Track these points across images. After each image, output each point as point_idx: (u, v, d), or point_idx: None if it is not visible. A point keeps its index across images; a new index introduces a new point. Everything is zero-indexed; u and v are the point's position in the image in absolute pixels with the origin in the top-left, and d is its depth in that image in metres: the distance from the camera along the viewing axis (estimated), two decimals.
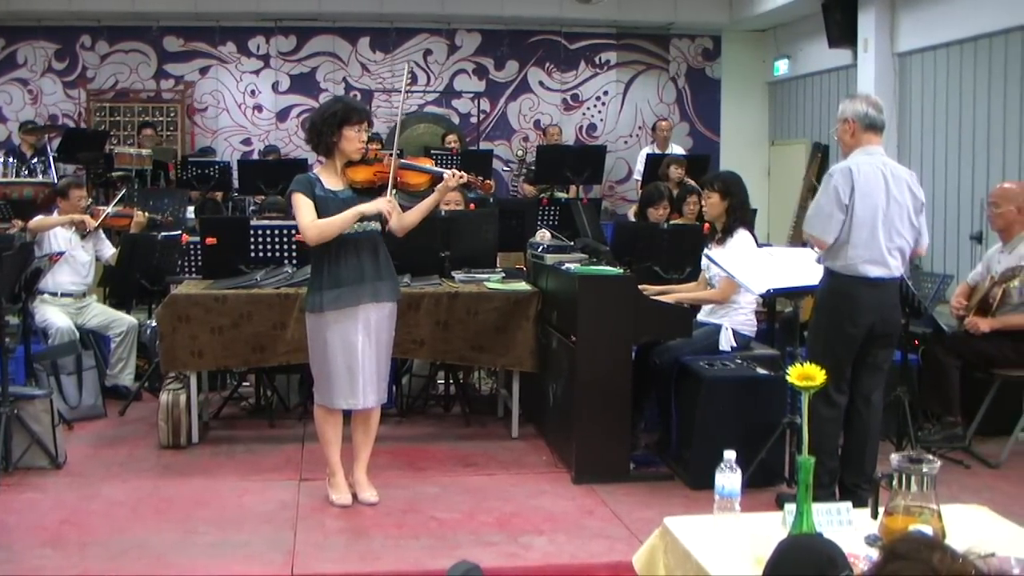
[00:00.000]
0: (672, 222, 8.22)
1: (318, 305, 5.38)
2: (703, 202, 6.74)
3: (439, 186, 5.58)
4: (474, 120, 14.38)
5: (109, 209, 8.50)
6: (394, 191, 5.66)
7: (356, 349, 5.42)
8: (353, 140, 5.39)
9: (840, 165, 5.33)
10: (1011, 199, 6.74)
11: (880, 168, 5.27)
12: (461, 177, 5.58)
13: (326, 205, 5.36)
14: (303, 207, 5.35)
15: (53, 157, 11.47)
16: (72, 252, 7.90)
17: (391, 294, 5.55)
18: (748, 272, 6.03)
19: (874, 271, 5.22)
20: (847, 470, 5.37)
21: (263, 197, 10.17)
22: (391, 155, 5.59)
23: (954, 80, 10.48)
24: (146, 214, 8.94)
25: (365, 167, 5.48)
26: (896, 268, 5.30)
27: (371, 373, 5.48)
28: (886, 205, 5.22)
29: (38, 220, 7.97)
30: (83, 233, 8.07)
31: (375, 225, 5.48)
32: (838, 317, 5.32)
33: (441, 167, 10.11)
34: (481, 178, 5.92)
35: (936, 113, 10.78)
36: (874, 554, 3.15)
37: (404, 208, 5.72)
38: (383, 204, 5.35)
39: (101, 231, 8.33)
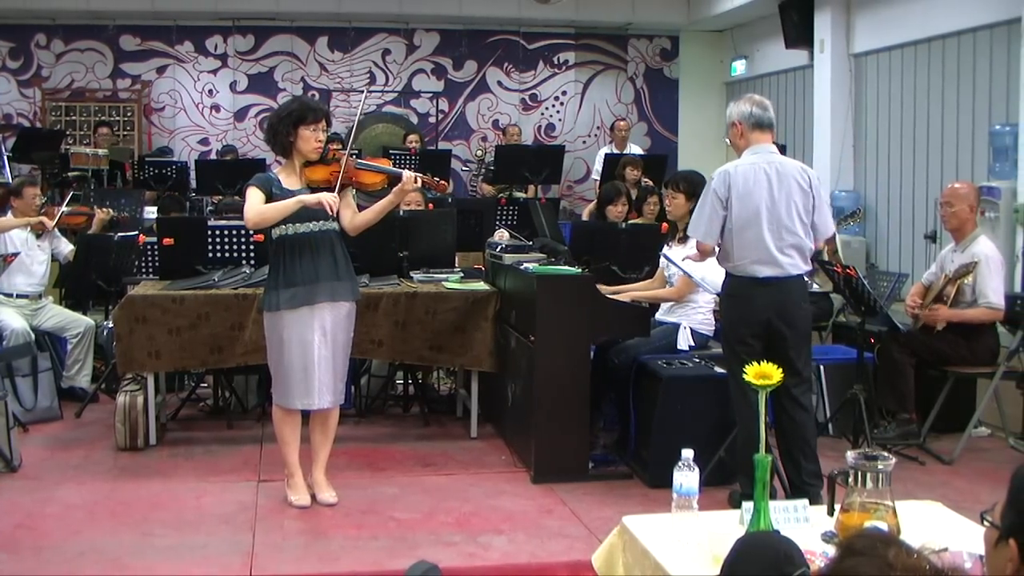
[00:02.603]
0: (631, 222, 8.26)
1: (274, 304, 5.38)
2: (667, 202, 6.74)
3: (396, 188, 5.54)
4: (433, 120, 14.37)
5: (64, 208, 8.43)
6: (353, 191, 5.67)
7: (312, 349, 5.41)
8: (309, 140, 5.38)
9: (719, 169, 5.37)
10: (963, 198, 6.80)
11: (763, 167, 5.28)
12: (416, 180, 5.55)
13: None
14: (251, 197, 5.35)
15: (8, 157, 11.35)
16: (28, 252, 7.82)
17: (349, 294, 5.53)
18: (707, 271, 6.07)
19: (764, 271, 5.24)
20: (789, 468, 5.39)
21: (220, 197, 10.13)
22: (349, 156, 5.58)
23: (908, 81, 10.58)
24: (108, 211, 8.85)
25: (323, 167, 5.47)
26: (791, 266, 5.26)
27: (327, 373, 5.47)
28: (770, 203, 5.23)
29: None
30: (39, 233, 7.99)
31: (332, 224, 5.47)
32: (734, 318, 5.39)
33: (399, 167, 10.13)
34: (437, 179, 5.91)
35: (891, 113, 10.89)
36: (830, 550, 3.18)
37: (362, 207, 5.72)
38: (327, 196, 5.28)
39: (57, 230, 8.24)
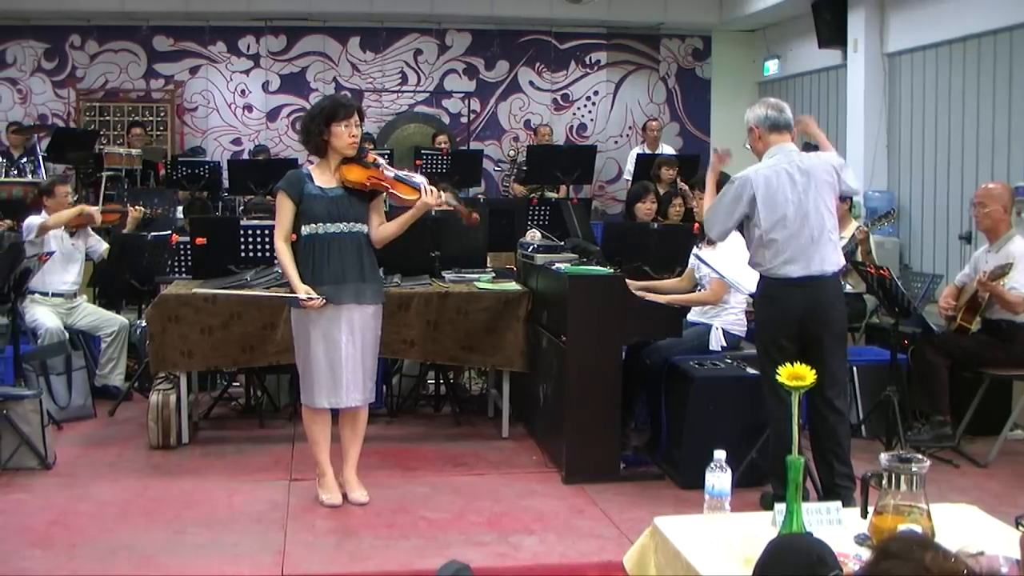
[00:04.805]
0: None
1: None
2: (695, 203, 6.72)
3: (418, 203, 5.52)
4: (464, 120, 14.38)
5: (99, 207, 8.48)
6: (384, 199, 5.68)
7: (339, 348, 5.42)
8: (343, 136, 5.39)
9: (741, 174, 5.35)
10: (996, 199, 6.74)
11: (785, 168, 5.26)
12: (439, 200, 5.54)
13: (314, 203, 5.41)
14: (281, 212, 5.47)
15: (42, 157, 11.44)
16: (63, 251, 7.86)
17: (374, 297, 5.55)
18: (738, 272, 6.04)
19: (796, 271, 5.21)
20: (822, 470, 5.37)
21: (251, 197, 10.17)
22: (388, 165, 5.57)
23: (943, 80, 10.50)
24: (140, 209, 8.90)
25: (361, 168, 5.47)
26: (824, 263, 5.23)
27: (354, 372, 5.48)
28: (797, 202, 5.21)
29: (56, 216, 7.78)
30: (73, 232, 8.03)
31: (361, 227, 5.48)
32: (768, 320, 5.37)
33: (431, 167, 10.11)
34: (469, 210, 5.92)
35: (925, 113, 10.81)
36: (864, 553, 3.17)
37: (390, 216, 5.72)
38: (312, 301, 5.32)
39: (91, 228, 8.29)
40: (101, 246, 8.29)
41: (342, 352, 5.44)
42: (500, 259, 8.19)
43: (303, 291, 5.32)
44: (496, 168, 14.30)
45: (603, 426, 5.99)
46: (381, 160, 5.58)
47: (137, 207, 8.85)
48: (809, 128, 5.84)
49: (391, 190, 5.53)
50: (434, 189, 5.56)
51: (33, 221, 7.77)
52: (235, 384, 7.80)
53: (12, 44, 13.64)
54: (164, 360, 6.54)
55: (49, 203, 8.00)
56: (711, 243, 6.46)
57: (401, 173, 5.64)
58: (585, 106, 14.78)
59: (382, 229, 5.60)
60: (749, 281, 5.87)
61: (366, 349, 5.53)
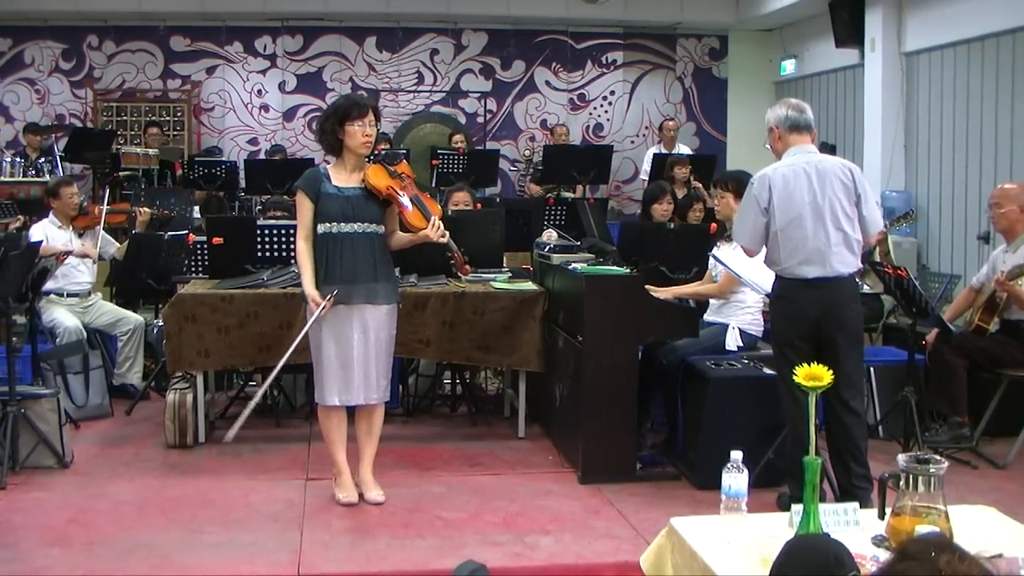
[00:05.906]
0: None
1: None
2: (715, 202, 6.71)
3: (420, 233, 5.53)
4: (480, 120, 14.39)
5: (104, 207, 8.51)
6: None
7: (351, 347, 5.44)
8: (356, 135, 5.39)
9: (759, 173, 5.35)
10: (1013, 199, 6.72)
11: (803, 167, 5.24)
12: (441, 237, 5.56)
13: (330, 202, 5.42)
14: (301, 211, 5.49)
15: (60, 157, 11.49)
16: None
17: (387, 296, 5.55)
18: (755, 271, 6.03)
19: (812, 272, 5.19)
20: (839, 471, 5.35)
21: (268, 196, 10.20)
22: (413, 184, 5.57)
23: (961, 80, 10.46)
24: (146, 211, 8.94)
25: (386, 176, 5.48)
26: (840, 264, 5.20)
27: (365, 371, 5.49)
28: (813, 203, 5.19)
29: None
30: (81, 232, 8.07)
31: (376, 227, 5.49)
32: (783, 320, 5.36)
33: (447, 167, 10.09)
34: (465, 259, 5.92)
35: (943, 113, 10.77)
36: (881, 555, 3.16)
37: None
38: (314, 303, 5.36)
39: (101, 229, 8.30)
40: (111, 246, 8.32)
41: (354, 351, 5.44)
42: (516, 259, 8.18)
43: (311, 298, 5.35)
44: (512, 168, 14.31)
45: (619, 426, 5.98)
46: (407, 178, 5.58)
47: (143, 209, 8.89)
48: None
49: (400, 209, 5.54)
50: (441, 226, 5.56)
51: (31, 235, 7.78)
52: (251, 383, 7.80)
53: (30, 44, 13.71)
54: (181, 359, 6.56)
55: (55, 204, 8.04)
56: (730, 239, 6.45)
57: (419, 199, 5.61)
58: (601, 106, 14.78)
59: (392, 240, 5.64)
60: (765, 281, 5.86)
61: (380, 348, 5.54)
